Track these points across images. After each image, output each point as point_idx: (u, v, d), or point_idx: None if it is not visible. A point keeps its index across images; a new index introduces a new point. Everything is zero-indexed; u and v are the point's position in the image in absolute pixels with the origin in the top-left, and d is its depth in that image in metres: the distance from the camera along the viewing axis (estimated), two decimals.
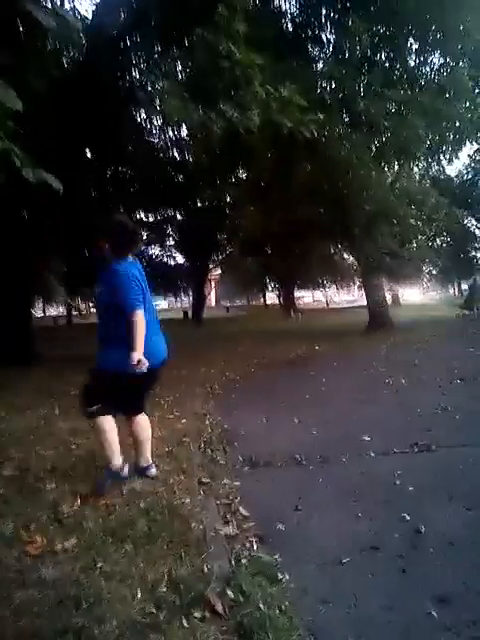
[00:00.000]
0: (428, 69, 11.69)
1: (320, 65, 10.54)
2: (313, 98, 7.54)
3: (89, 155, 11.33)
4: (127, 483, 3.16)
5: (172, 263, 26.93)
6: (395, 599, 2.02)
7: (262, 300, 51.90)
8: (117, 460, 3.17)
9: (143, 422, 3.34)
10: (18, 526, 2.63)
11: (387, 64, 10.57)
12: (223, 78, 6.40)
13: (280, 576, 2.16)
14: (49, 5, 5.26)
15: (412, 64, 11.17)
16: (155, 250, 25.62)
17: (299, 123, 6.75)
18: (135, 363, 2.82)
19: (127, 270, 3.01)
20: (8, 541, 2.48)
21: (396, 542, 2.47)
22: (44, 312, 42.82)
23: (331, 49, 10.50)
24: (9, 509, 2.86)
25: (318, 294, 56.58)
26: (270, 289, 45.15)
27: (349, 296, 57.62)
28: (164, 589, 2.05)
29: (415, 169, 15.68)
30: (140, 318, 2.92)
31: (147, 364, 2.86)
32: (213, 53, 6.21)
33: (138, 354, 2.85)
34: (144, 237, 21.60)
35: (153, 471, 3.35)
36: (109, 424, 3.13)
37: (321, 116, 7.09)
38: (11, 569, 2.23)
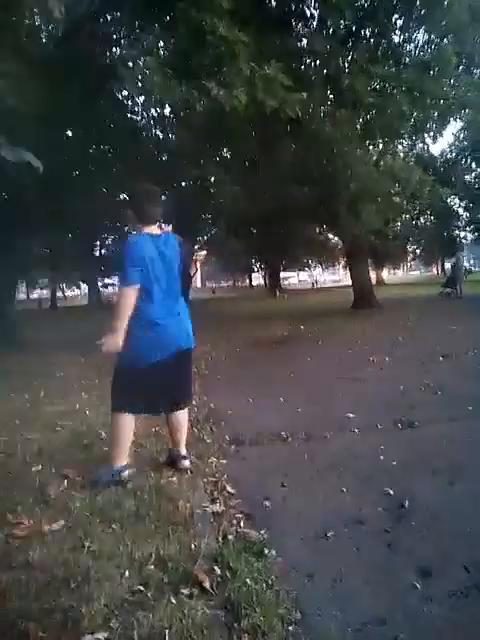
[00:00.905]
0: (412, 46, 11.60)
1: (304, 41, 10.37)
2: (297, 75, 7.42)
3: (70, 133, 11.08)
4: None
5: None
6: (379, 572, 2.06)
7: (248, 281, 51.91)
8: (124, 460, 2.99)
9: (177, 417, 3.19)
10: (5, 509, 2.62)
11: (371, 40, 10.44)
12: (207, 54, 6.27)
13: (266, 551, 2.19)
14: None
15: (397, 40, 11.05)
16: None
17: (283, 102, 6.66)
18: (102, 343, 2.75)
19: (132, 241, 2.87)
20: None
21: (380, 516, 2.51)
22: (27, 295, 42.34)
23: (315, 24, 10.33)
24: None
25: (304, 275, 56.73)
26: (256, 270, 45.17)
27: (334, 276, 57.88)
28: (152, 567, 2.06)
29: (400, 147, 15.65)
30: (124, 295, 2.78)
31: (111, 350, 2.76)
32: (196, 28, 6.07)
33: (111, 335, 2.75)
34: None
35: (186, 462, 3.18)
36: (128, 422, 2.97)
37: (305, 95, 6.99)
38: None
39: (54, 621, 1.75)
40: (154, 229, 2.94)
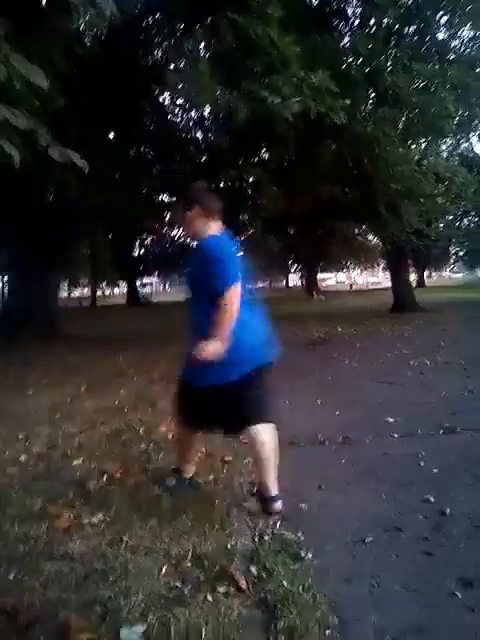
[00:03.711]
0: (458, 42, 11.32)
1: (346, 40, 10.25)
2: (340, 76, 7.32)
3: (112, 135, 11.31)
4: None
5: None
6: (418, 579, 2.01)
7: (285, 282, 51.75)
8: (190, 471, 2.90)
9: (252, 439, 2.57)
10: (46, 501, 2.69)
11: (415, 37, 10.22)
12: (259, 61, 6.29)
13: (303, 554, 2.17)
14: None
15: (441, 37, 10.81)
16: (177, 232, 25.57)
17: (330, 109, 6.61)
18: (203, 353, 2.33)
19: (220, 237, 2.55)
20: (37, 516, 2.54)
21: (420, 523, 2.45)
22: (68, 293, 43.50)
23: (357, 23, 10.21)
24: (38, 485, 2.93)
25: (342, 276, 56.13)
26: (293, 271, 44.97)
27: (373, 278, 57.00)
28: (188, 564, 2.08)
29: (443, 146, 15.26)
30: (235, 296, 2.32)
31: (210, 358, 2.33)
32: (244, 36, 6.10)
33: (214, 345, 2.33)
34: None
35: (277, 505, 2.53)
36: (190, 436, 2.80)
37: (348, 101, 6.89)
38: (40, 542, 2.29)
39: (94, 612, 1.79)
40: (221, 227, 2.66)
